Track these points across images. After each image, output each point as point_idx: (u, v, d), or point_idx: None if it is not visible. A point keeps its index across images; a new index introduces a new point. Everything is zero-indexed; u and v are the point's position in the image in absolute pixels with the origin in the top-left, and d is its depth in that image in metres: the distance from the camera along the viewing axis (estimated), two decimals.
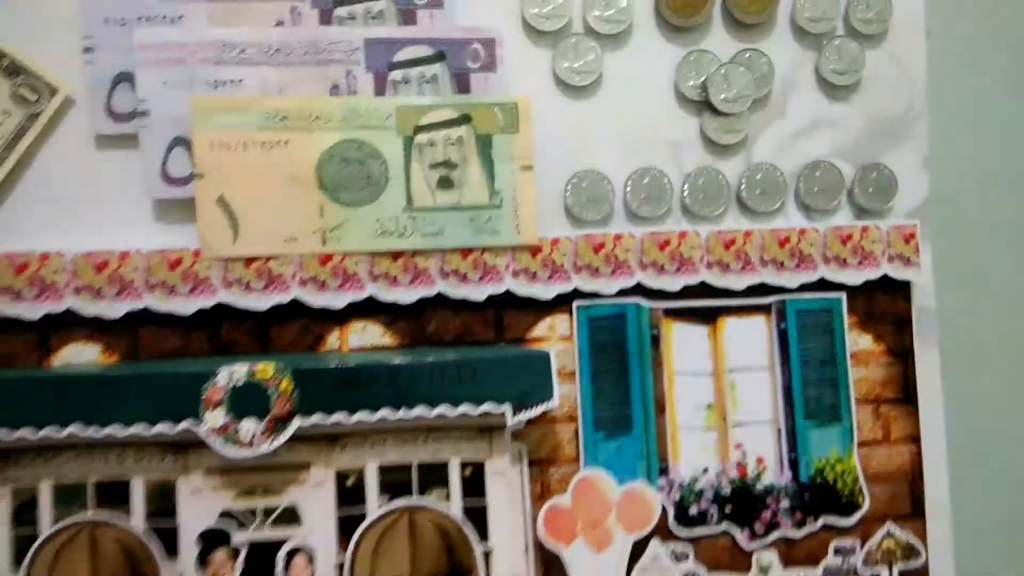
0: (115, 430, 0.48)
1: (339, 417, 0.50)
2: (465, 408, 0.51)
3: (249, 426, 0.49)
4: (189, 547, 0.50)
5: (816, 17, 0.57)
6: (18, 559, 0.49)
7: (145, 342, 0.52)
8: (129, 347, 0.51)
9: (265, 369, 0.50)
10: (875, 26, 0.58)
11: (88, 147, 0.51)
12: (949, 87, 0.63)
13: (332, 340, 0.54)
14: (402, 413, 0.51)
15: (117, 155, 0.51)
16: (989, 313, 0.67)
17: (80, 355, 0.51)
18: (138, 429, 0.48)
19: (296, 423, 0.50)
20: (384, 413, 0.50)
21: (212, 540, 0.49)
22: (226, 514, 0.51)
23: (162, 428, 0.48)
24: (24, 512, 0.50)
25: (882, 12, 0.58)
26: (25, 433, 0.48)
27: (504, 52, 0.54)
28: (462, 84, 0.54)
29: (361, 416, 0.50)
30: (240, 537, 0.50)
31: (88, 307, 0.50)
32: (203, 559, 0.49)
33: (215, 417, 0.49)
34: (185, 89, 0.51)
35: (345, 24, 0.53)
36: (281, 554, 0.49)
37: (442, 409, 0.51)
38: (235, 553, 0.49)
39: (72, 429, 0.47)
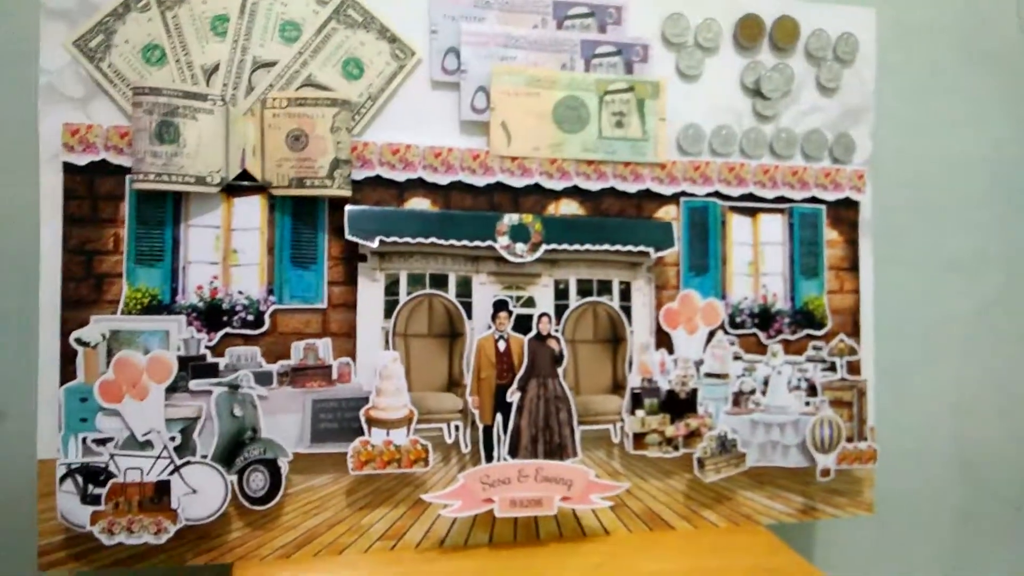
0: (452, 243, 0.88)
1: (563, 246, 0.91)
2: (628, 247, 0.93)
3: (520, 246, 0.90)
4: (479, 314, 0.90)
5: (819, 48, 1.01)
6: (387, 313, 0.89)
7: (454, 200, 0.91)
8: (445, 202, 0.91)
9: (527, 217, 0.91)
10: (849, 56, 1.02)
11: (428, 88, 0.89)
12: (884, 94, 1.09)
13: (551, 208, 0.94)
14: (594, 247, 0.92)
15: (445, 94, 0.89)
16: (902, 223, 1.15)
17: (419, 204, 0.90)
18: (464, 243, 0.88)
19: (543, 247, 0.91)
20: (586, 246, 0.92)
21: (500, 305, 0.90)
22: (498, 299, 0.91)
23: (477, 243, 0.89)
24: (391, 288, 0.89)
25: (854, 49, 1.02)
26: (397, 241, 0.87)
27: (652, 53, 0.96)
28: (629, 68, 0.95)
29: (574, 246, 0.92)
30: (511, 307, 0.90)
31: (430, 176, 0.89)
32: (494, 315, 0.90)
33: (503, 240, 0.90)
34: (486, 60, 0.90)
35: (570, 30, 0.94)
36: (536, 314, 0.90)
37: (616, 247, 0.93)
38: (510, 314, 0.90)
39: (427, 240, 0.87)
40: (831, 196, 1.02)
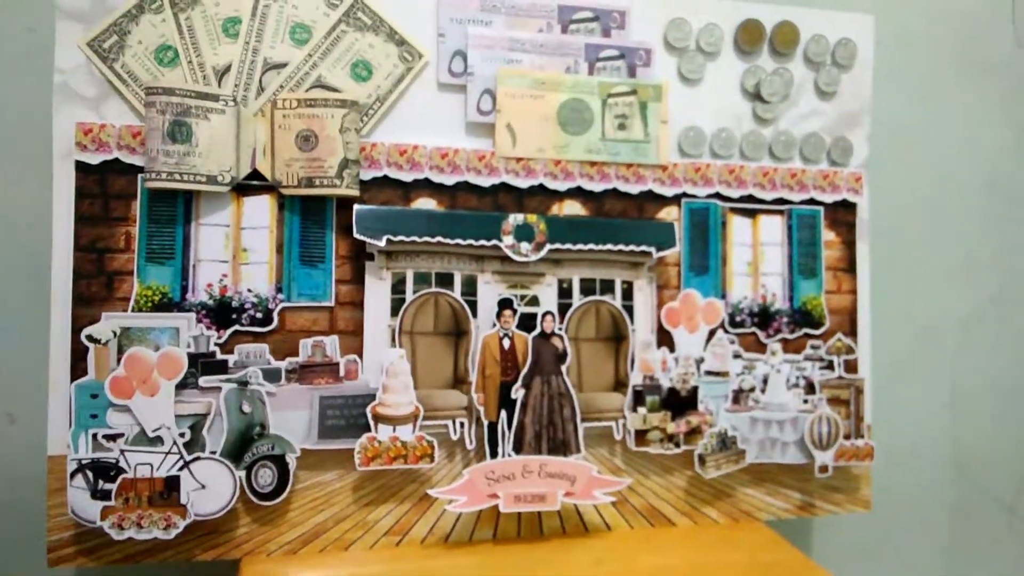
0: (458, 242, 0.89)
1: (567, 246, 0.93)
2: (631, 247, 0.95)
3: (525, 246, 0.92)
4: (484, 312, 0.92)
5: (818, 53, 1.03)
6: (394, 311, 0.90)
7: (460, 200, 0.92)
8: (451, 202, 0.92)
9: (532, 217, 0.92)
10: (847, 61, 1.04)
11: (435, 90, 0.91)
12: (881, 100, 1.11)
13: (555, 208, 0.96)
14: (597, 247, 0.94)
15: (452, 96, 0.91)
16: (897, 225, 1.17)
17: (425, 204, 0.91)
18: (470, 242, 0.90)
19: (547, 247, 0.92)
20: (589, 246, 0.94)
21: (504, 303, 0.91)
22: (502, 297, 0.93)
23: (482, 243, 0.90)
24: (398, 286, 0.90)
25: (852, 54, 1.05)
26: (404, 240, 0.89)
27: (655, 57, 0.98)
28: (632, 72, 0.97)
29: (577, 246, 0.93)
30: (516, 305, 0.92)
31: (436, 176, 0.91)
32: (499, 314, 0.91)
33: (508, 239, 0.91)
34: (492, 62, 0.92)
35: (574, 34, 0.95)
36: (540, 312, 0.92)
37: (619, 247, 0.95)
38: (515, 313, 0.91)
39: (433, 239, 0.89)
40: (829, 198, 1.03)
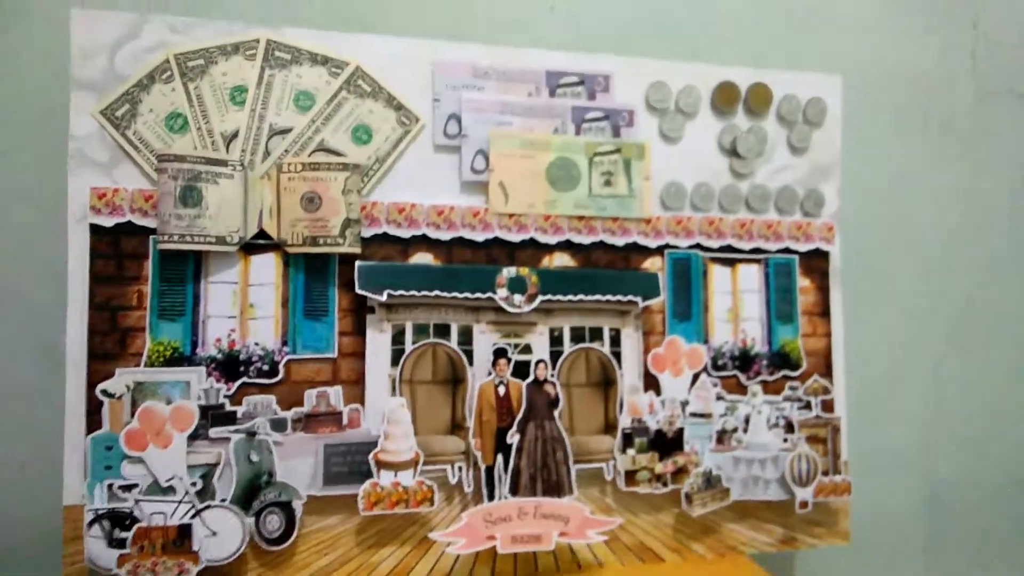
0: (455, 295, 0.94)
1: (557, 297, 0.98)
2: (618, 297, 1.00)
3: (518, 297, 0.97)
4: (480, 361, 0.96)
5: (790, 111, 1.10)
6: (394, 361, 0.94)
7: (456, 255, 0.97)
8: (447, 257, 0.97)
9: (524, 270, 0.97)
10: (817, 119, 1.11)
11: (431, 151, 0.96)
12: (850, 155, 1.17)
13: (545, 262, 1.01)
14: (586, 297, 0.99)
15: (447, 157, 0.97)
16: (867, 270, 1.23)
17: (423, 259, 0.96)
18: (466, 295, 0.95)
19: (539, 298, 0.97)
20: (579, 296, 0.99)
21: (499, 352, 0.96)
22: (497, 346, 0.97)
23: (478, 295, 0.95)
24: (397, 337, 0.95)
25: (822, 112, 1.11)
26: (403, 294, 0.93)
27: (637, 117, 1.04)
28: (616, 132, 1.03)
29: (567, 296, 0.98)
30: (510, 354, 0.97)
31: (433, 232, 0.96)
32: (494, 362, 0.96)
33: (502, 291, 0.96)
34: (485, 125, 0.98)
35: (561, 97, 1.01)
36: (533, 360, 0.97)
37: (607, 297, 1.00)
38: (509, 361, 0.96)
39: (431, 292, 0.93)
40: (803, 247, 1.09)
